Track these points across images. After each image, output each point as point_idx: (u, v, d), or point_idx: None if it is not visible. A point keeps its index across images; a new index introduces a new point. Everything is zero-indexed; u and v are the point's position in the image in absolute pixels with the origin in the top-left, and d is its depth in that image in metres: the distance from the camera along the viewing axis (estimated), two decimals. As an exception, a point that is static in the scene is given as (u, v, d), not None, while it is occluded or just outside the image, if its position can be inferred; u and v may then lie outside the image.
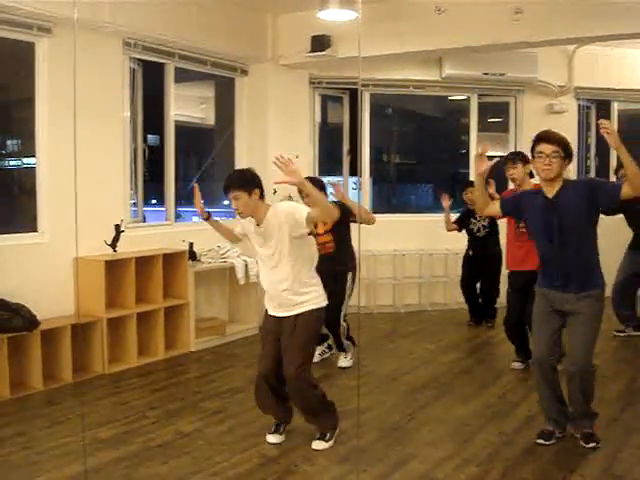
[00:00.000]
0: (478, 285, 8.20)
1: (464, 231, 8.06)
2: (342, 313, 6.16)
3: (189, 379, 6.20)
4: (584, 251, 4.31)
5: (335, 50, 7.59)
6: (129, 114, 7.00)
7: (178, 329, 6.98)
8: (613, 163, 10.11)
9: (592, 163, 10.34)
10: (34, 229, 6.20)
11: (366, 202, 9.33)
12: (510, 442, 4.61)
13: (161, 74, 7.41)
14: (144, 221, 7.57)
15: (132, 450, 4.49)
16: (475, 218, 7.85)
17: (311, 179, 5.87)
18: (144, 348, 6.63)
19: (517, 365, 6.31)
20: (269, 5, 7.75)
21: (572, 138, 9.82)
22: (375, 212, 9.36)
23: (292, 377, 4.34)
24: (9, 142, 6.98)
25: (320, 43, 7.58)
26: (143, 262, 6.57)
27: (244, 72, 8.21)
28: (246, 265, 7.52)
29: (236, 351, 7.11)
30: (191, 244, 7.17)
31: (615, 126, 10.11)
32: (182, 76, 7.72)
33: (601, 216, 4.37)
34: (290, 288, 4.38)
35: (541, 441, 4.52)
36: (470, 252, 8.10)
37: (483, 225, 7.85)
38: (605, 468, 4.19)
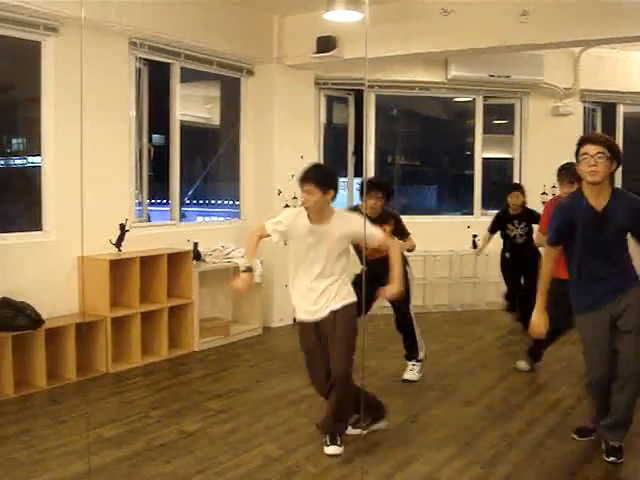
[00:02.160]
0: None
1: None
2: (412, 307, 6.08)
3: (193, 379, 6.20)
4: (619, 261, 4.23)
5: (341, 51, 7.59)
6: (135, 114, 7.01)
7: (182, 329, 6.98)
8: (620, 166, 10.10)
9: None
10: (39, 228, 6.21)
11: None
12: (514, 444, 4.61)
13: (167, 74, 7.41)
14: (149, 220, 7.58)
15: (135, 449, 4.49)
16: (513, 224, 7.79)
17: (380, 185, 5.98)
18: (148, 347, 6.64)
19: (523, 365, 6.30)
20: (275, 6, 7.75)
21: (577, 141, 9.81)
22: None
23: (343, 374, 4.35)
24: (15, 141, 7.01)
25: (326, 44, 7.58)
26: (147, 262, 6.57)
27: (250, 72, 8.21)
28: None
29: (240, 351, 7.11)
30: (195, 244, 7.18)
31: (621, 129, 10.13)
32: (188, 76, 7.72)
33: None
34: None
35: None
36: (507, 254, 7.99)
37: (520, 234, 7.77)
38: (609, 471, 4.18)
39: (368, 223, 4.48)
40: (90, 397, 5.56)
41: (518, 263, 7.88)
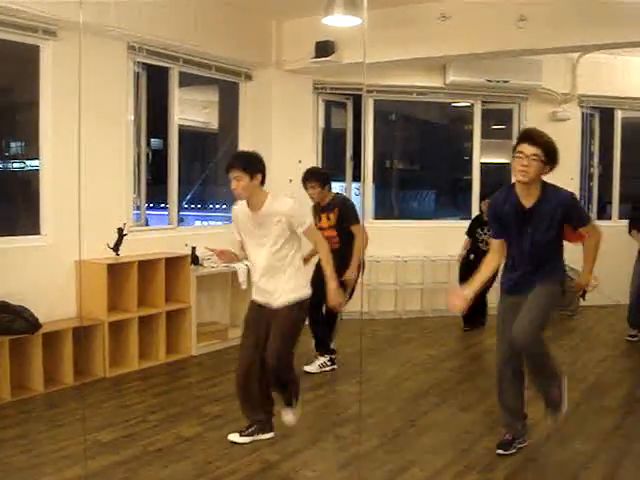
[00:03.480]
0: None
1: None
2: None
3: (190, 383, 6.19)
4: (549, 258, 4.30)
5: (339, 56, 7.60)
6: (133, 118, 7.01)
7: (179, 333, 6.97)
8: (617, 171, 10.14)
9: (595, 171, 10.34)
10: (37, 232, 6.20)
11: (368, 208, 9.33)
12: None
13: (165, 78, 7.41)
14: (147, 225, 7.57)
15: (132, 454, 4.48)
16: (482, 230, 7.87)
17: (320, 173, 6.33)
18: (145, 352, 6.63)
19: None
20: (274, 10, 7.76)
21: (575, 146, 9.87)
22: (377, 218, 9.45)
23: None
24: (13, 144, 7.00)
25: (324, 49, 7.59)
26: (145, 266, 6.57)
27: (248, 77, 8.22)
28: (248, 270, 7.51)
29: (237, 356, 7.08)
30: (193, 248, 7.17)
31: (619, 134, 10.14)
32: (186, 80, 7.73)
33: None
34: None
35: None
36: (472, 256, 8.05)
37: (487, 241, 7.82)
38: (606, 476, 4.18)
39: (301, 209, 4.69)
40: (87, 401, 5.54)
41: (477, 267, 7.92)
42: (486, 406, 5.53)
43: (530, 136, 4.16)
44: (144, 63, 7.13)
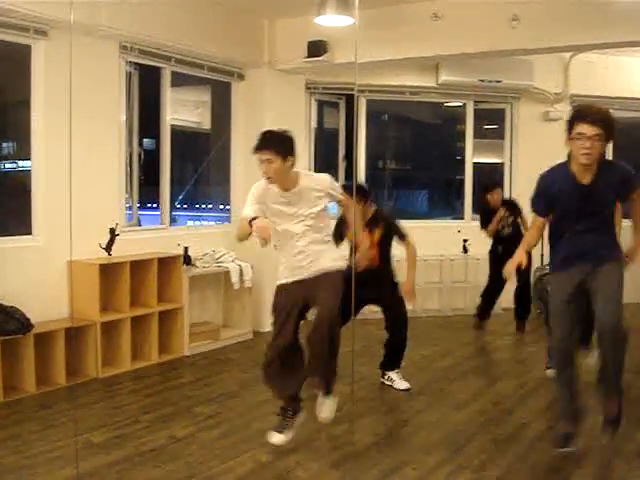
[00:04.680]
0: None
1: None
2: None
3: (183, 383, 6.18)
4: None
5: (331, 55, 7.59)
6: (125, 117, 6.99)
7: (172, 333, 6.96)
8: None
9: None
10: (29, 232, 6.18)
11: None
12: (504, 449, 4.60)
13: (157, 78, 7.39)
14: (139, 225, 7.56)
15: (125, 454, 4.47)
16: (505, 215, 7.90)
17: (361, 187, 6.02)
18: (138, 352, 6.61)
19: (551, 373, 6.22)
20: (266, 10, 7.75)
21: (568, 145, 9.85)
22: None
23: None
24: (5, 145, 6.97)
25: (317, 48, 7.58)
26: (138, 266, 6.55)
27: (240, 77, 8.21)
28: (241, 270, 7.52)
29: (230, 356, 7.10)
30: (186, 248, 7.16)
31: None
32: (178, 80, 7.71)
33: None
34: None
35: None
36: (499, 248, 7.94)
37: (508, 223, 7.88)
38: (599, 475, 4.19)
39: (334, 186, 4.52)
40: (79, 402, 5.53)
41: (509, 255, 7.84)
42: (479, 405, 5.54)
43: (589, 115, 3.97)
44: (136, 63, 7.11)
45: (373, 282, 5.63)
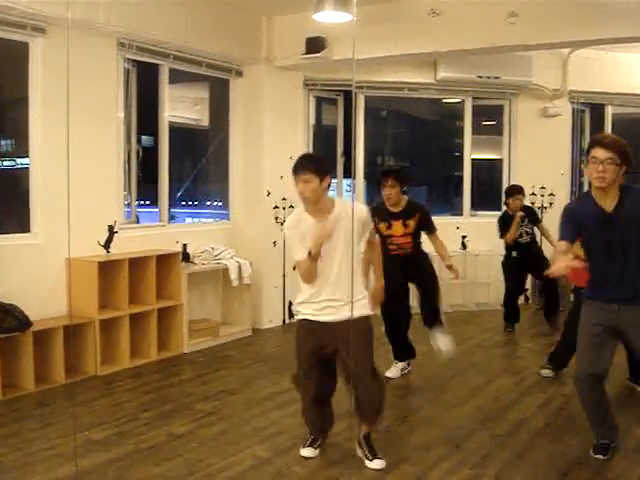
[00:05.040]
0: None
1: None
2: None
3: (182, 381, 6.18)
4: None
5: (330, 52, 7.58)
6: (123, 115, 6.98)
7: (171, 330, 6.96)
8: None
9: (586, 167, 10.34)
10: (27, 230, 6.18)
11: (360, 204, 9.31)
12: (503, 445, 4.61)
13: (155, 75, 7.38)
14: (137, 222, 7.55)
15: (124, 452, 4.47)
16: (523, 222, 7.84)
17: (400, 171, 6.20)
18: (137, 349, 6.61)
19: (547, 372, 6.20)
20: (264, 7, 7.74)
21: (566, 141, 9.89)
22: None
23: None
24: (3, 142, 6.97)
25: (315, 45, 7.57)
26: (136, 263, 6.55)
27: (239, 73, 8.20)
28: (239, 267, 7.52)
29: (229, 353, 7.10)
30: (184, 245, 7.16)
31: (609, 130, 10.16)
32: (176, 77, 7.70)
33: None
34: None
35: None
36: (514, 254, 7.90)
37: (526, 231, 7.85)
38: (598, 471, 4.19)
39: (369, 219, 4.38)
40: (78, 399, 5.53)
41: (525, 263, 7.90)
42: (478, 402, 5.55)
43: (601, 140, 4.10)
44: (134, 60, 7.10)
45: (410, 266, 6.02)
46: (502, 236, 7.89)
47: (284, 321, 8.40)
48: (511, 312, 8.14)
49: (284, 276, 8.29)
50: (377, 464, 4.25)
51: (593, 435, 4.45)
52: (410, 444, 4.64)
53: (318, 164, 4.19)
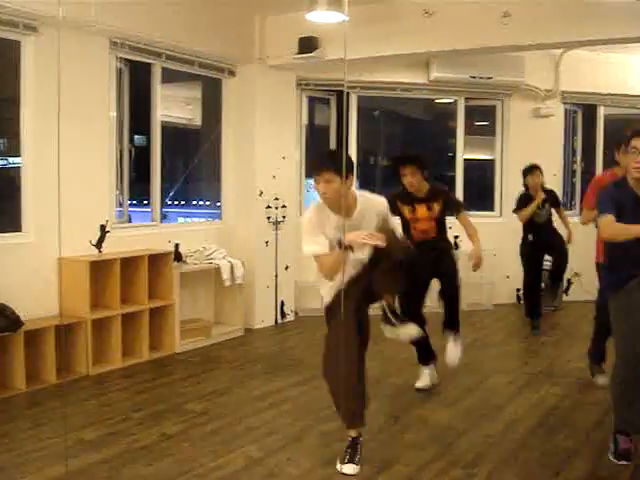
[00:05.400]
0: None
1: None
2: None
3: (174, 380, 6.17)
4: None
5: (323, 52, 7.58)
6: (115, 114, 6.96)
7: (163, 330, 6.95)
8: (599, 167, 10.19)
9: (578, 167, 10.39)
10: (19, 229, 6.16)
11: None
12: (495, 445, 4.61)
13: (148, 74, 7.37)
14: (130, 221, 7.54)
15: (116, 452, 4.46)
16: (543, 206, 7.78)
17: (419, 157, 5.89)
18: (129, 349, 6.60)
19: (603, 380, 5.77)
20: (257, 6, 7.73)
21: (558, 142, 9.92)
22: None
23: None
24: (-5, 141, 6.95)
25: (308, 45, 7.57)
26: (128, 263, 6.53)
27: (231, 73, 8.19)
28: (232, 266, 7.51)
29: (221, 353, 7.09)
30: (177, 245, 7.14)
31: (601, 130, 10.20)
32: (169, 76, 7.68)
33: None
34: None
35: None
36: (530, 237, 7.84)
37: (543, 213, 7.78)
38: (590, 470, 4.20)
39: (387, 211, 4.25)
40: (70, 399, 5.51)
41: (542, 246, 7.85)
42: (469, 402, 5.55)
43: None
44: (126, 59, 7.09)
45: (434, 256, 5.68)
46: (515, 211, 7.83)
47: (276, 321, 8.40)
48: (533, 304, 7.97)
49: (276, 276, 8.29)
50: (346, 468, 4.16)
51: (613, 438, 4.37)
52: (402, 444, 4.64)
53: (340, 162, 3.91)
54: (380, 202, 4.21)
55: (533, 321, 7.98)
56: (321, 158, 4.13)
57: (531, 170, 7.78)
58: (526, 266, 7.98)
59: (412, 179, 5.72)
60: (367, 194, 4.25)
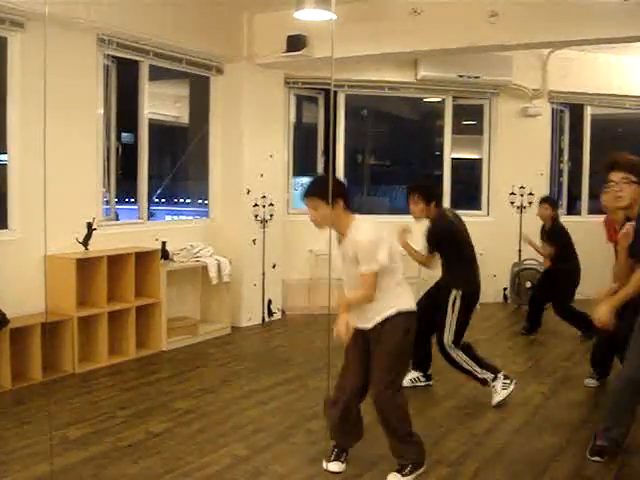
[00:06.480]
0: None
1: None
2: (447, 335, 5.46)
3: (160, 379, 6.15)
4: None
5: (311, 50, 7.57)
6: (103, 111, 6.94)
7: (150, 328, 6.93)
8: (586, 167, 10.24)
9: (565, 166, 10.42)
10: (5, 226, 6.13)
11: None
12: (481, 443, 4.63)
13: (135, 71, 7.35)
14: (117, 219, 7.51)
15: (101, 450, 4.45)
16: (543, 239, 7.75)
17: (424, 186, 5.98)
18: (115, 347, 6.58)
19: (592, 383, 5.94)
20: (245, 4, 7.72)
21: (546, 141, 9.95)
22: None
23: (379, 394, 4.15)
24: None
25: (296, 43, 7.56)
26: (115, 260, 6.51)
27: (219, 71, 8.17)
28: (219, 264, 7.50)
29: (208, 351, 7.08)
30: (164, 243, 7.13)
31: (588, 130, 10.24)
32: (156, 74, 7.66)
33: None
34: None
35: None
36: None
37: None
38: (575, 469, 4.22)
39: (372, 247, 4.03)
40: (55, 397, 5.49)
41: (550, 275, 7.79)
42: (455, 400, 5.56)
43: (614, 163, 4.18)
44: (114, 56, 7.06)
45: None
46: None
47: (263, 319, 8.39)
48: (539, 315, 7.96)
49: (263, 274, 8.28)
50: (332, 467, 4.21)
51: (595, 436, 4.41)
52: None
53: (325, 189, 3.88)
54: (357, 241, 4.01)
55: (532, 326, 7.95)
56: (308, 185, 4.16)
57: (540, 202, 7.80)
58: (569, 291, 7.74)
59: (414, 207, 6.05)
60: (360, 225, 4.08)
